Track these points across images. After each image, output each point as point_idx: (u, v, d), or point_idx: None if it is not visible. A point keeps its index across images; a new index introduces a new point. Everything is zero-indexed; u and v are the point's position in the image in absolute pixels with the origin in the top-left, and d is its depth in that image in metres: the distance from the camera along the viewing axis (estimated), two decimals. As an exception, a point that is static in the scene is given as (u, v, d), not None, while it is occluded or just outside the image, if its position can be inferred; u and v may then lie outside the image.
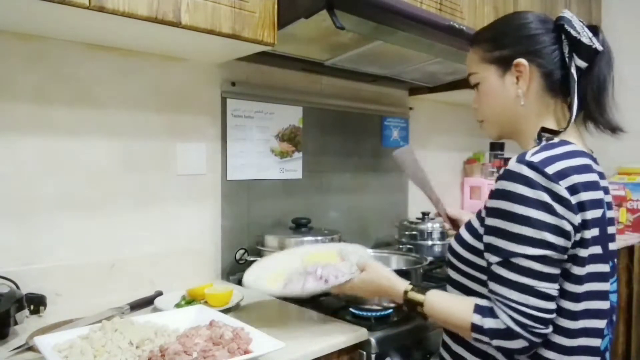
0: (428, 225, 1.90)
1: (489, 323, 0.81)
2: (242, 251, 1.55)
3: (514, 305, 0.80)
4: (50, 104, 1.27)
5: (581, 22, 0.91)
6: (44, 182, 1.26)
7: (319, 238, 1.51)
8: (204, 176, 1.57)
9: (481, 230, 0.88)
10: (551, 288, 0.80)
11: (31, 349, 0.96)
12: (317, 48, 1.56)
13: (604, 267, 0.87)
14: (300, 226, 1.59)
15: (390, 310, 1.24)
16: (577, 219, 0.81)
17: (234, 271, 1.60)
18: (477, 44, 0.99)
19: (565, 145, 0.87)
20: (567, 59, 0.90)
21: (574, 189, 0.81)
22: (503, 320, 0.80)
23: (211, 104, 1.59)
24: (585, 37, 0.88)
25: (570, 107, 0.91)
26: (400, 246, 1.90)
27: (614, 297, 0.91)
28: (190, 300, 1.29)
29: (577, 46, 0.89)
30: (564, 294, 0.83)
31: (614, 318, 0.93)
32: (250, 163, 1.68)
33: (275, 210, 1.74)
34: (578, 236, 0.82)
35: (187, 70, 1.52)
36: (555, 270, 0.81)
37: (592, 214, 0.83)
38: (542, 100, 0.93)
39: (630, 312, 2.47)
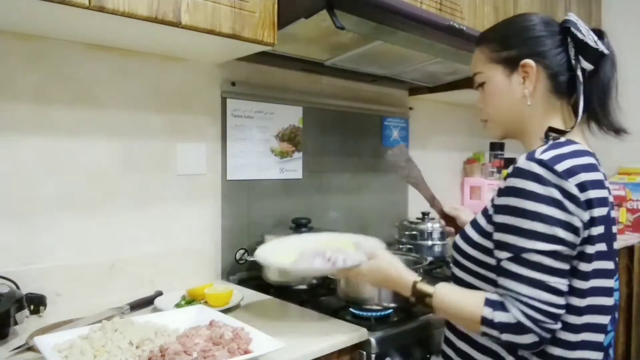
0: (428, 225, 1.90)
1: (499, 317, 0.81)
2: (242, 251, 1.55)
3: (525, 299, 0.80)
4: (50, 104, 1.27)
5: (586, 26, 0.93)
6: (44, 182, 1.26)
7: (319, 238, 1.51)
8: (204, 176, 1.57)
9: (487, 227, 0.89)
10: (561, 283, 0.81)
11: (31, 349, 0.96)
12: (317, 48, 1.56)
13: (609, 265, 0.88)
14: (300, 226, 1.59)
15: (390, 310, 1.24)
16: (585, 216, 0.82)
17: (234, 271, 1.60)
18: (483, 44, 1.00)
19: (572, 145, 0.89)
20: (573, 61, 0.92)
21: (582, 187, 0.82)
22: (514, 314, 0.80)
23: (211, 104, 1.59)
24: (591, 40, 0.90)
25: (575, 108, 0.93)
26: (400, 246, 1.90)
27: (616, 295, 0.92)
28: (190, 300, 1.29)
29: (584, 48, 0.91)
30: (570, 290, 0.84)
31: (616, 316, 0.94)
32: (250, 163, 1.68)
33: (275, 210, 1.74)
34: (586, 233, 0.83)
35: (187, 70, 1.52)
36: (565, 266, 0.82)
37: (599, 211, 0.85)
38: (548, 101, 0.94)
39: (630, 312, 2.47)
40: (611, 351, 0.92)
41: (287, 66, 1.75)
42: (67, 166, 1.30)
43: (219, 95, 1.60)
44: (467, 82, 1.99)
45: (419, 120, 2.34)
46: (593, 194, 0.83)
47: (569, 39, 0.92)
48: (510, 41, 0.95)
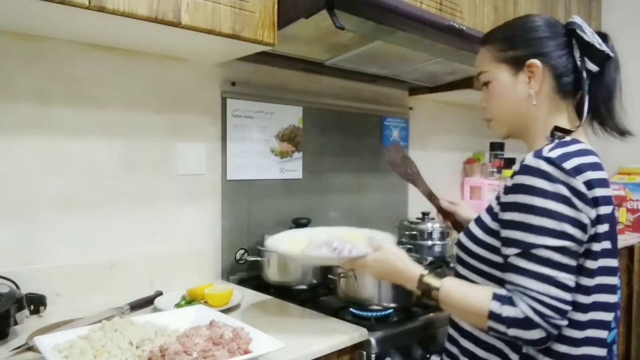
0: (428, 225, 1.90)
1: (507, 311, 0.81)
2: (242, 251, 1.56)
3: (534, 295, 0.80)
4: (50, 104, 1.27)
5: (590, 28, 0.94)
6: (44, 182, 1.26)
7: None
8: (204, 176, 1.57)
9: (493, 225, 0.90)
10: (570, 279, 0.82)
11: (31, 349, 0.96)
12: (317, 48, 1.56)
13: (614, 262, 0.89)
14: (300, 226, 1.58)
15: (391, 310, 1.24)
16: (592, 213, 0.83)
17: (234, 271, 1.60)
18: (489, 44, 1.00)
19: (578, 144, 0.89)
20: (578, 62, 0.92)
21: (589, 185, 0.83)
22: (522, 309, 0.80)
23: (211, 104, 1.59)
24: (596, 42, 0.91)
25: (579, 109, 0.94)
26: (400, 246, 1.89)
27: (619, 293, 0.93)
28: (190, 300, 1.29)
29: (590, 50, 0.91)
30: (576, 287, 0.84)
31: (619, 313, 0.94)
32: (250, 163, 1.67)
33: (275, 210, 1.74)
34: (593, 230, 0.84)
35: (187, 70, 1.52)
36: (573, 262, 0.83)
37: (605, 209, 0.86)
38: (552, 101, 0.95)
39: (630, 312, 2.47)
40: (615, 348, 0.93)
41: (287, 66, 1.75)
42: (67, 166, 1.30)
43: (219, 95, 1.60)
44: (467, 82, 1.99)
45: (419, 120, 2.34)
46: (599, 192, 0.84)
47: (574, 41, 0.93)
48: (516, 41, 0.96)
